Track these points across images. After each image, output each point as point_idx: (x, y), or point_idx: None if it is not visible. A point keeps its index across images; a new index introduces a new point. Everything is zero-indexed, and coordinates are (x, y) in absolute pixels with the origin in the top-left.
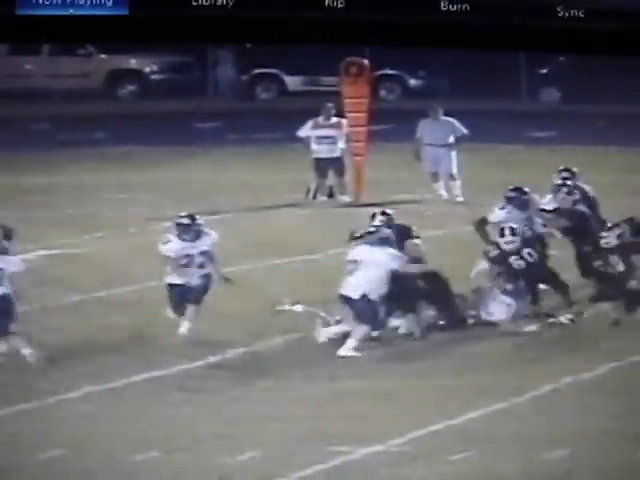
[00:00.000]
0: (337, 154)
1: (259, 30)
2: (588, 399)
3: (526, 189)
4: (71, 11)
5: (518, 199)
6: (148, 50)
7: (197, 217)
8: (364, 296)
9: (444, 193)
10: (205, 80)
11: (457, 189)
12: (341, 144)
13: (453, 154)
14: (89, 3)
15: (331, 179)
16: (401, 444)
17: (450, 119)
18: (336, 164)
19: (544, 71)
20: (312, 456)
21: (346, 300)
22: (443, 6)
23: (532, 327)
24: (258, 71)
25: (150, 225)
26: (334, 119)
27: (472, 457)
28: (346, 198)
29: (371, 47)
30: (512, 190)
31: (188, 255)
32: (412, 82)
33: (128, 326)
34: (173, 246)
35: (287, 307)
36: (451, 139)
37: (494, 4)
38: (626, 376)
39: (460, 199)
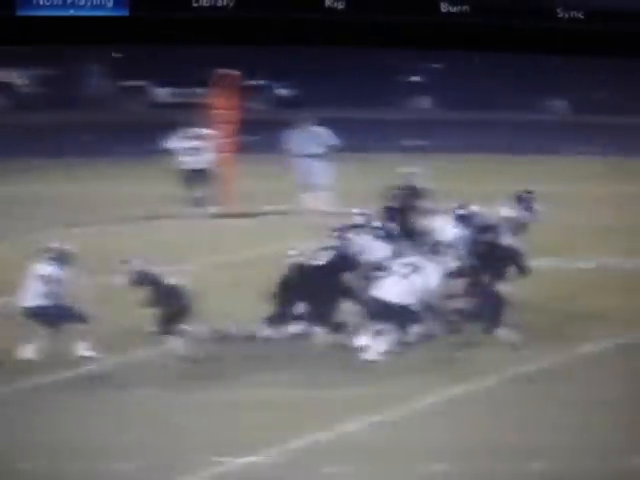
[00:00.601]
0: (204, 165)
1: (259, 31)
2: (471, 413)
3: (474, 207)
4: (72, 12)
5: (464, 217)
6: (18, 63)
7: (68, 247)
8: (421, 300)
9: (314, 203)
10: (77, 92)
11: (327, 199)
12: (208, 155)
13: (323, 164)
14: (90, 4)
15: (199, 190)
16: (277, 455)
17: (320, 129)
18: (203, 175)
19: (417, 79)
20: (193, 466)
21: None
22: (443, 7)
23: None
24: (127, 83)
25: (22, 239)
26: (202, 130)
27: (348, 469)
28: (214, 209)
29: (241, 58)
30: (460, 207)
31: (53, 280)
32: (282, 92)
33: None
34: (45, 269)
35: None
36: (321, 149)
37: (494, 6)
38: (513, 390)
39: (331, 209)
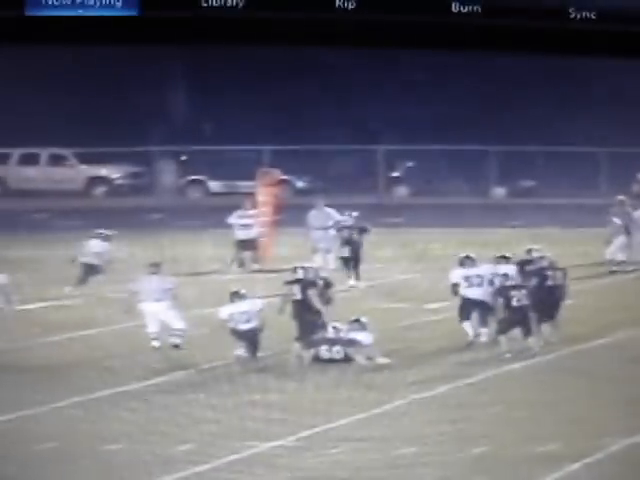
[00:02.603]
0: (253, 236)
1: (269, 31)
2: None
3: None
4: (80, 12)
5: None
6: (113, 162)
7: None
8: None
9: (322, 262)
10: (153, 184)
11: (332, 260)
12: (256, 229)
13: (331, 234)
14: (99, 4)
15: (246, 253)
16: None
17: (329, 209)
18: (252, 243)
19: (397, 174)
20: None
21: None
22: (454, 8)
23: None
24: (190, 177)
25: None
26: (251, 211)
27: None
28: (257, 266)
29: (274, 159)
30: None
31: None
32: (299, 184)
33: None
34: None
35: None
36: (330, 223)
37: (505, 6)
38: None
39: (332, 267)
